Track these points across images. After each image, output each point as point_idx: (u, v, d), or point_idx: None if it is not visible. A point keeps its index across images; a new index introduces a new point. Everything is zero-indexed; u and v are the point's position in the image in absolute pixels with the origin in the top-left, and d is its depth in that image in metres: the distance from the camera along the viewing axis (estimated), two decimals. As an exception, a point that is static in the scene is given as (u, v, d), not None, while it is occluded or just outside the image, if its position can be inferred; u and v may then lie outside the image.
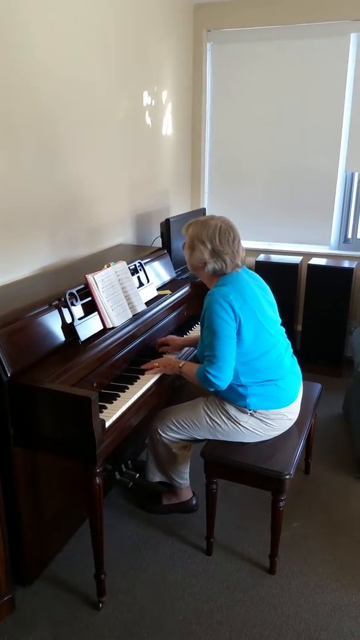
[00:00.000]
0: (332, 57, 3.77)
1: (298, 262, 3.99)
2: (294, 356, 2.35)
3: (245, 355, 2.12)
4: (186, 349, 2.59)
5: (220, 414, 2.20)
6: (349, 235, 4.14)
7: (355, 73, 3.74)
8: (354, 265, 3.85)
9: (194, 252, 2.17)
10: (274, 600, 2.09)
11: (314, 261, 3.94)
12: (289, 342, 2.32)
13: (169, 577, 2.20)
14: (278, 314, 2.31)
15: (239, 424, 2.18)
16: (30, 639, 1.92)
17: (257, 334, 2.12)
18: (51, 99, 2.58)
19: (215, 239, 2.12)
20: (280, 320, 2.30)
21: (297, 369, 2.33)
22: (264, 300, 2.22)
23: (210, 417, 2.22)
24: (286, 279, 3.96)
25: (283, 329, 2.30)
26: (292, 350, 2.34)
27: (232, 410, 2.19)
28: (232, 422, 2.19)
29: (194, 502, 2.53)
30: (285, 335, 2.31)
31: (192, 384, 2.55)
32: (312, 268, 3.88)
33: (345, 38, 3.70)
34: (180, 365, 2.28)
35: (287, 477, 2.04)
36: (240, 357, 2.12)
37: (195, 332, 2.81)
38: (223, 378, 2.07)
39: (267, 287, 2.32)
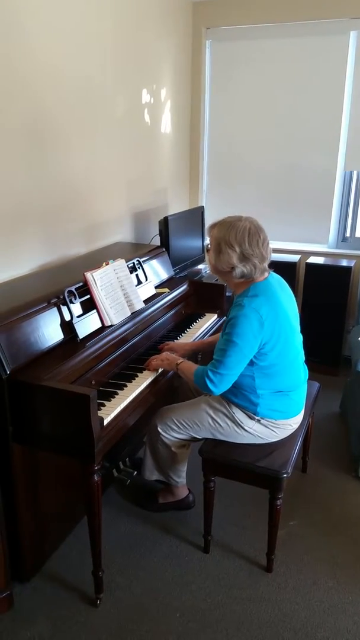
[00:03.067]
0: (332, 55, 3.77)
1: (296, 261, 4.00)
2: (306, 365, 2.31)
3: (268, 368, 2.08)
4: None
5: (225, 416, 2.19)
6: (347, 234, 4.14)
7: (354, 71, 3.74)
8: (352, 264, 3.86)
9: (221, 255, 2.04)
10: (270, 598, 2.10)
11: (312, 260, 3.94)
12: (303, 351, 2.27)
13: (167, 575, 2.20)
14: (299, 323, 2.22)
15: (243, 428, 2.17)
16: (28, 635, 1.93)
17: (282, 349, 2.07)
18: (48, 96, 2.58)
19: (245, 243, 2.00)
20: (299, 329, 2.22)
21: (306, 379, 2.31)
22: (291, 312, 2.15)
23: (212, 418, 2.20)
24: (284, 277, 3.79)
25: (301, 338, 2.24)
26: (304, 358, 2.29)
27: (239, 414, 2.17)
28: (236, 425, 2.17)
29: (191, 499, 2.53)
30: (302, 345, 2.25)
31: (188, 384, 2.55)
32: (310, 267, 3.88)
33: (345, 36, 3.69)
34: (178, 362, 2.27)
35: (285, 475, 2.05)
36: (264, 370, 2.08)
37: (194, 329, 2.81)
38: (220, 387, 2.06)
39: (293, 296, 2.24)
